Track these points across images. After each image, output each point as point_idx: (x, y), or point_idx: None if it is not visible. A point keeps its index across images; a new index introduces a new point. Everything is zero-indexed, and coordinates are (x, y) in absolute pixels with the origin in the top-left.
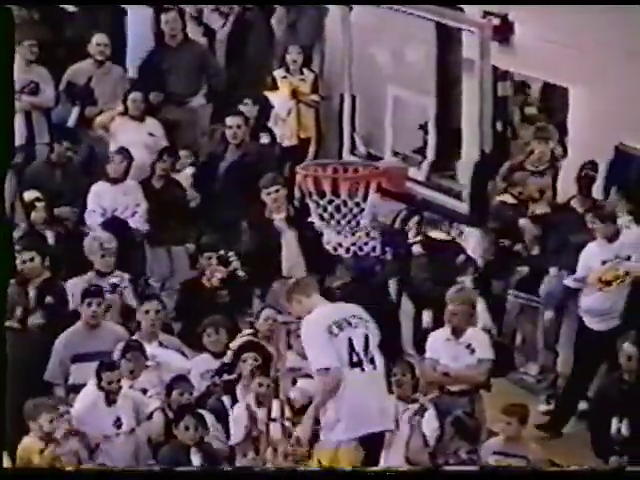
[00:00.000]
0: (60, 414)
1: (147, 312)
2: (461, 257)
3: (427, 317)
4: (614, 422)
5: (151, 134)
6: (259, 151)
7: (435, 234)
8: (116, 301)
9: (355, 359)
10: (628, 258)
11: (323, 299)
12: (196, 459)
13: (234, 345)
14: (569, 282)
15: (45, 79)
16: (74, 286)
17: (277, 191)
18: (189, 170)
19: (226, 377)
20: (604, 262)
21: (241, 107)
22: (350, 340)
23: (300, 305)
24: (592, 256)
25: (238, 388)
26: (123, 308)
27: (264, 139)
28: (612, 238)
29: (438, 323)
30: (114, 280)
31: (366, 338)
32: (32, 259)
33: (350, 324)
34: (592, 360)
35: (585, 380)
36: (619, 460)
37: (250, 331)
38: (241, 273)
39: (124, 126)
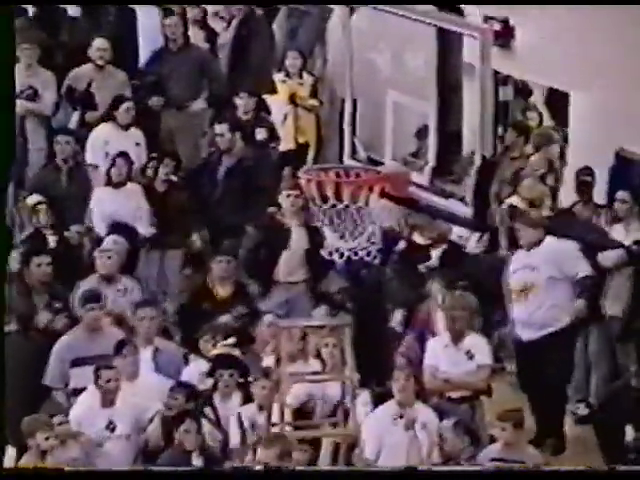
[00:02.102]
0: (58, 423)
1: (142, 319)
2: (426, 264)
3: (398, 317)
4: (629, 430)
5: (138, 144)
6: (255, 156)
7: (416, 238)
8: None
9: None
10: (533, 269)
11: None
12: (197, 463)
13: (212, 354)
14: None
15: (48, 84)
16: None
17: (297, 196)
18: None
19: (202, 387)
20: (514, 271)
21: (237, 100)
22: None
23: None
24: (511, 265)
25: (215, 397)
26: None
27: (260, 135)
28: (531, 246)
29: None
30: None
31: None
32: (49, 263)
33: None
34: (531, 370)
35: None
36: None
37: (231, 341)
38: None
39: (112, 133)
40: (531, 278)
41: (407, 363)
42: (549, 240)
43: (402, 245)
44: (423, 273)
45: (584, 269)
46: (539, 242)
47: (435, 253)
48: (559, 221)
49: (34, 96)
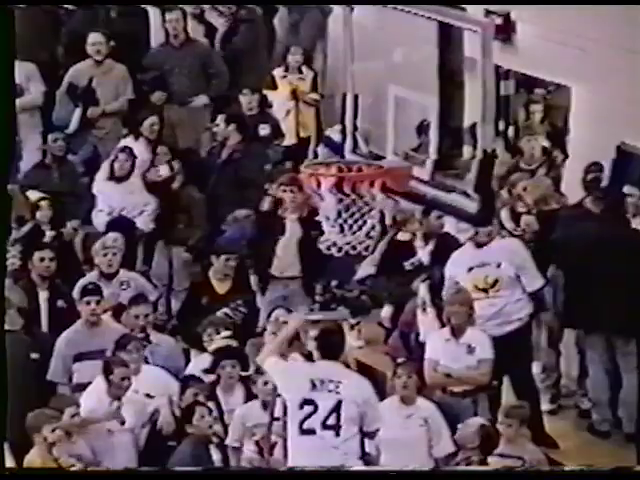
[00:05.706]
0: (71, 416)
1: (137, 317)
2: (411, 261)
3: (385, 313)
4: None
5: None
6: (247, 150)
7: (400, 235)
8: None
9: None
10: (499, 265)
11: None
12: (216, 455)
13: (212, 348)
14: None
15: (32, 76)
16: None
17: (296, 191)
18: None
19: (205, 380)
20: (470, 269)
21: (240, 97)
22: None
23: None
24: (458, 263)
25: (218, 390)
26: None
27: (263, 131)
28: (482, 244)
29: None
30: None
31: None
32: (52, 258)
33: None
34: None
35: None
36: None
37: (228, 333)
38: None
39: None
40: (494, 274)
41: (392, 362)
42: (499, 240)
43: (385, 241)
44: (409, 270)
45: (539, 282)
46: (490, 239)
47: (425, 250)
48: (572, 215)
49: (21, 91)
